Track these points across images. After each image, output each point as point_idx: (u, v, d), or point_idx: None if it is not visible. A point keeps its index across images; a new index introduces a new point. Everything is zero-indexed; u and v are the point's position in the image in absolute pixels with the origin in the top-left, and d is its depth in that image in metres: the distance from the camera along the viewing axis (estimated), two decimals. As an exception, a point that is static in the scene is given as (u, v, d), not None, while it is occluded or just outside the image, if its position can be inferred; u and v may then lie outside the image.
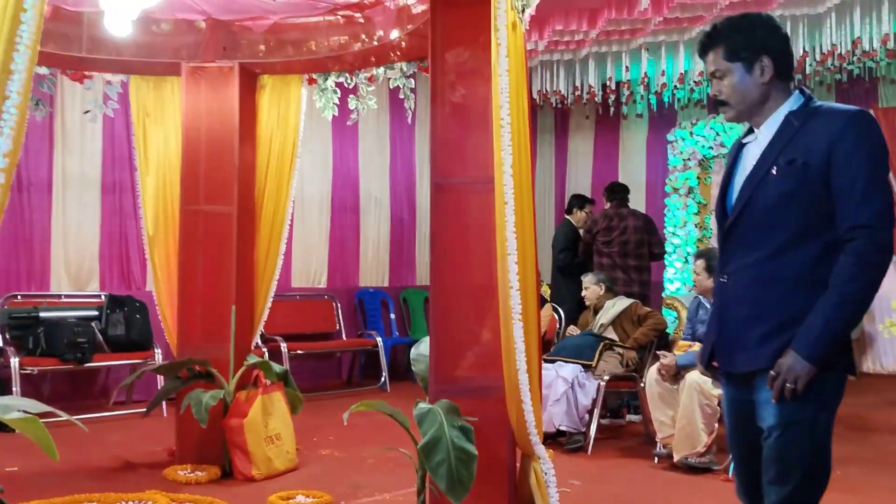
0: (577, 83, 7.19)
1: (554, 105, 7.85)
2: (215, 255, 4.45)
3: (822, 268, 1.89)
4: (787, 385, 1.87)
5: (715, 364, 2.12)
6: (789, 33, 5.99)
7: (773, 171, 1.96)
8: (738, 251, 2.03)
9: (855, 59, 6.00)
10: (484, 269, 3.08)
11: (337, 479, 4.17)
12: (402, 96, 4.35)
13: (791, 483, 1.91)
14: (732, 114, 2.08)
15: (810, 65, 6.15)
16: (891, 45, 5.68)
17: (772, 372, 1.90)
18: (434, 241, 3.22)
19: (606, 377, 4.96)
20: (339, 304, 7.45)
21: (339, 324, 7.42)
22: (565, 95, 7.39)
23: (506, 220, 2.85)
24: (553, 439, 4.89)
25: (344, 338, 7.40)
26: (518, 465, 3.09)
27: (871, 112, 1.99)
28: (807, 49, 6.00)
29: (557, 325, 5.76)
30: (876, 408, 5.64)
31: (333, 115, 4.72)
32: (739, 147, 2.13)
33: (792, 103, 2.02)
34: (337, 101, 4.59)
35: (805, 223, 1.93)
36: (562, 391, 4.85)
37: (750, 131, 2.10)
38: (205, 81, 4.49)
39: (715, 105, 2.14)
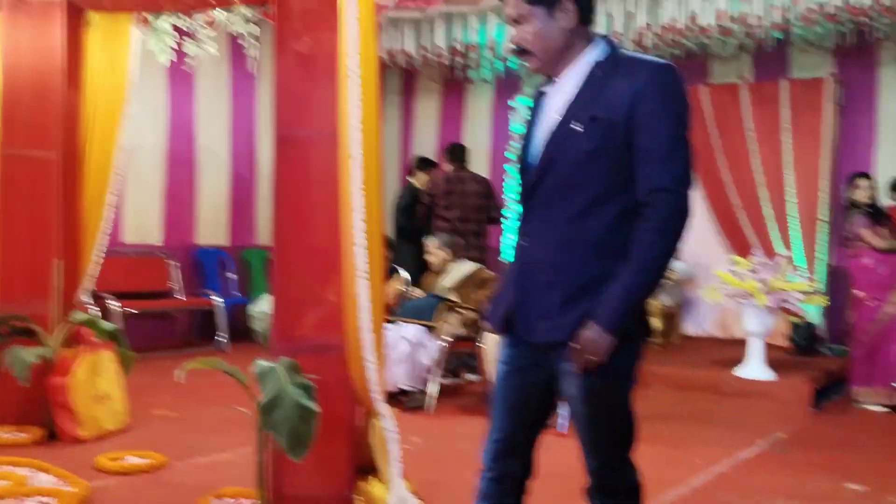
0: (425, 44, 7.14)
1: (401, 65, 7.77)
2: (37, 205, 4.15)
3: (621, 231, 1.82)
4: (589, 357, 1.81)
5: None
6: (634, 5, 6.25)
7: (578, 128, 1.83)
8: (538, 213, 1.93)
9: (691, 34, 6.31)
10: (329, 225, 2.98)
11: (171, 439, 4.00)
12: (244, 44, 4.14)
13: (606, 449, 1.94)
14: (536, 64, 1.92)
15: (650, 38, 6.41)
16: (724, 22, 6.01)
17: (573, 345, 1.82)
18: (277, 195, 3.08)
19: (449, 338, 5.03)
20: (175, 262, 7.10)
21: (176, 282, 7.08)
22: (413, 56, 7.33)
23: (352, 176, 2.78)
24: (395, 398, 4.90)
25: (180, 297, 7.07)
26: (360, 423, 3.06)
27: (674, 65, 1.88)
28: (649, 22, 6.25)
29: (400, 288, 5.76)
30: (696, 367, 6.06)
31: (170, 61, 4.43)
32: (539, 96, 1.99)
33: (596, 52, 1.89)
34: (173, 46, 4.31)
35: (607, 184, 1.84)
36: (404, 351, 4.86)
37: (550, 80, 1.97)
38: (27, 16, 4.13)
39: (515, 53, 1.97)
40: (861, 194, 5.50)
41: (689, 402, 5.40)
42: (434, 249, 5.51)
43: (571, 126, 1.84)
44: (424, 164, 7.00)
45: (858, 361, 5.48)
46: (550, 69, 1.94)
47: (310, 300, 3.05)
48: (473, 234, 6.27)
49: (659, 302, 6.98)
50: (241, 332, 7.27)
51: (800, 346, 6.58)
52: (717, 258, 7.12)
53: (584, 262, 1.85)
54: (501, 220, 6.78)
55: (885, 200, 5.74)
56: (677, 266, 7.28)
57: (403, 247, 6.65)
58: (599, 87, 1.84)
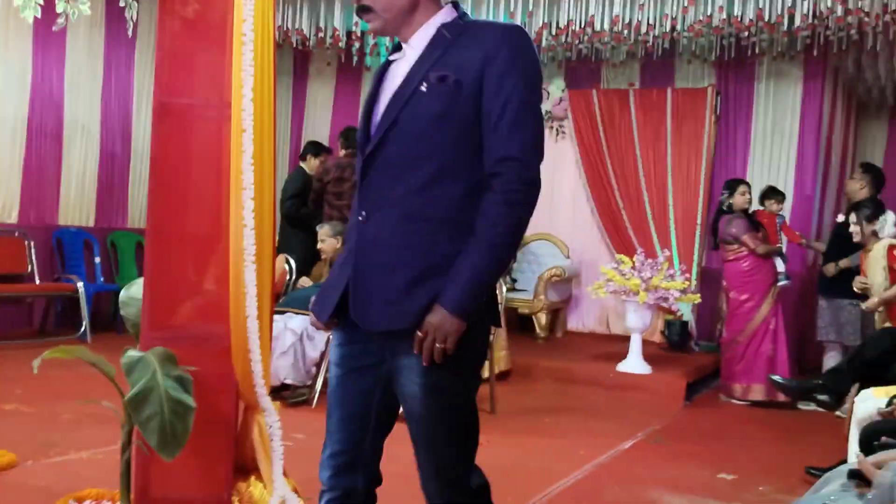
0: (322, 25, 6.90)
1: (294, 45, 7.47)
2: None
3: (473, 206, 1.67)
4: (437, 345, 1.62)
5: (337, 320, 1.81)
6: (532, 4, 6.25)
7: (423, 88, 1.68)
8: (380, 184, 1.73)
9: (586, 38, 6.39)
10: (212, 205, 2.73)
11: (24, 436, 3.62)
12: (122, 4, 3.80)
13: (447, 451, 1.75)
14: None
15: (546, 38, 6.44)
16: (618, 27, 6.12)
17: (419, 333, 1.64)
18: (154, 169, 2.79)
19: (336, 330, 4.84)
20: (32, 243, 6.53)
21: (32, 265, 6.51)
22: (307, 36, 7.07)
23: (242, 150, 2.55)
24: (277, 393, 4.68)
25: (37, 281, 6.52)
26: (241, 418, 2.84)
27: (524, 29, 1.82)
28: (548, 22, 6.28)
29: (288, 277, 5.51)
30: (579, 362, 6.17)
31: (36, 19, 4.01)
32: (386, 66, 1.83)
33: (444, 15, 1.77)
34: (40, 2, 3.91)
35: (457, 152, 1.68)
36: (290, 343, 4.64)
37: (398, 48, 1.82)
38: None
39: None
40: (741, 200, 5.70)
41: (574, 395, 5.49)
42: (325, 237, 5.29)
43: (416, 87, 1.69)
44: (316, 149, 6.75)
45: (730, 359, 5.68)
46: (394, 30, 1.78)
47: (188, 286, 2.80)
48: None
49: (544, 297, 7.06)
50: (106, 320, 6.80)
51: (673, 343, 6.82)
52: (602, 256, 7.30)
53: (431, 241, 1.68)
54: None
55: (754, 208, 6.01)
56: (563, 263, 7.38)
57: (291, 235, 6.38)
58: (447, 48, 1.71)
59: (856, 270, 5.06)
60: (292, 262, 5.61)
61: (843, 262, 5.54)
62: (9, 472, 3.19)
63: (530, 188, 1.67)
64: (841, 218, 5.70)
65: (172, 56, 2.79)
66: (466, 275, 1.63)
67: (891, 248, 4.41)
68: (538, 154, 1.69)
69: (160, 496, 2.73)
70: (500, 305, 4.88)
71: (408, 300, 1.66)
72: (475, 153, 1.68)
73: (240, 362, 2.67)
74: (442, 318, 1.62)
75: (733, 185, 5.81)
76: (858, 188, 5.59)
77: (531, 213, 1.69)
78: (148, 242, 2.81)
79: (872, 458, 1.66)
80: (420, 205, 1.68)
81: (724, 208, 5.77)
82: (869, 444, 2.77)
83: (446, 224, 1.68)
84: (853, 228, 4.72)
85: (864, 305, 4.54)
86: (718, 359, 6.37)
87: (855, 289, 4.69)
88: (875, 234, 4.63)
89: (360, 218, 1.75)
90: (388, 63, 1.82)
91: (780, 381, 4.33)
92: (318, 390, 4.69)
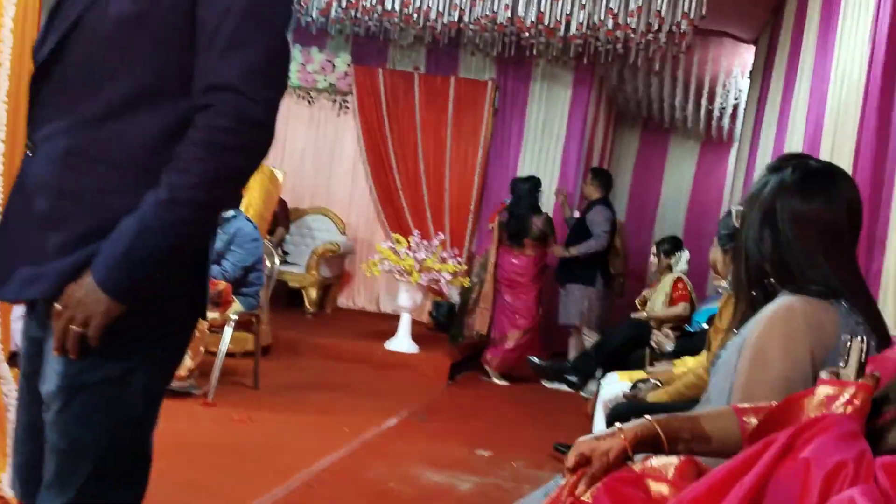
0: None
1: None
2: None
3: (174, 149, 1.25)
4: (73, 328, 1.21)
5: None
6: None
7: None
8: (54, 107, 1.29)
9: (376, 15, 6.38)
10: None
11: None
12: None
13: (76, 485, 1.27)
14: None
15: (336, 10, 6.37)
16: (408, 10, 6.18)
17: (56, 305, 1.23)
18: None
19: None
20: None
21: None
22: None
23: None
24: (14, 359, 4.24)
25: None
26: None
27: None
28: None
29: None
30: (347, 339, 6.17)
31: None
32: None
33: None
34: None
35: (154, 77, 1.26)
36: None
37: None
38: None
39: None
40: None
41: (341, 372, 5.50)
42: None
43: None
44: None
45: (491, 341, 6.04)
46: None
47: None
48: None
49: (316, 272, 7.01)
50: None
51: (440, 323, 7.07)
52: (377, 235, 7.39)
53: (106, 188, 1.26)
54: None
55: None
56: (338, 239, 7.37)
57: None
58: None
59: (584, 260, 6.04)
60: None
61: (573, 250, 6.13)
62: None
63: (250, 129, 1.24)
64: (577, 214, 6.59)
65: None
66: (129, 237, 1.21)
67: (677, 280, 5.03)
68: (269, 84, 1.26)
69: None
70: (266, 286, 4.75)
71: (55, 262, 1.25)
72: (186, 77, 1.27)
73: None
74: (86, 292, 1.21)
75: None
76: (593, 190, 6.33)
77: (251, 164, 1.27)
78: None
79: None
80: (98, 140, 1.26)
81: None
82: (617, 422, 3.06)
83: (133, 169, 1.26)
84: (652, 259, 5.33)
85: (643, 315, 5.03)
86: (481, 340, 6.72)
87: (639, 307, 5.25)
88: (669, 268, 5.25)
89: (27, 152, 1.32)
90: None
91: (537, 362, 4.66)
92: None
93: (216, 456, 3.43)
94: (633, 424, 1.20)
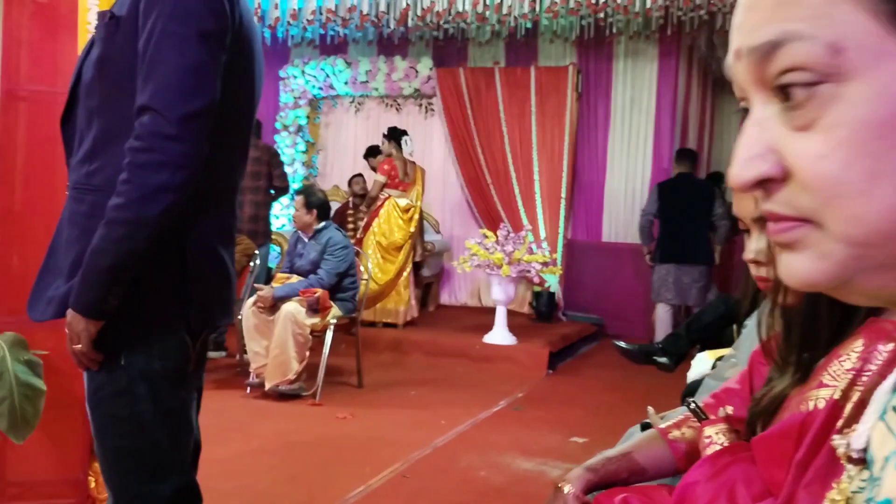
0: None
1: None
2: None
3: None
4: (74, 347, 1.41)
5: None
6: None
7: (93, 30, 1.49)
8: (69, 149, 1.56)
9: (451, 18, 6.55)
10: (52, 190, 2.78)
11: None
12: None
13: (117, 476, 1.51)
14: None
15: (412, 19, 6.57)
16: (479, 9, 6.31)
17: (66, 330, 1.43)
18: (1, 154, 2.81)
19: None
20: None
21: None
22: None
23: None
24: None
25: None
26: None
27: None
28: (409, 3, 6.40)
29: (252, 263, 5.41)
30: (448, 335, 6.37)
31: None
32: None
33: None
34: None
35: (118, 111, 1.41)
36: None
37: None
38: None
39: None
40: None
41: (440, 367, 5.68)
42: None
43: (94, 28, 1.50)
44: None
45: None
46: None
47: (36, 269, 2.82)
48: (250, 205, 5.78)
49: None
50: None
51: (540, 313, 7.14)
52: (472, 231, 7.55)
53: (94, 214, 1.41)
54: (284, 189, 6.17)
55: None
56: (434, 238, 7.60)
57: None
58: None
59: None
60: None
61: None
62: None
63: (166, 143, 1.33)
64: None
65: (20, 43, 2.80)
66: (87, 261, 1.37)
67: None
68: (182, 99, 1.34)
69: (17, 480, 2.77)
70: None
71: (62, 287, 1.45)
72: None
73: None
74: (71, 315, 1.40)
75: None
76: (684, 169, 6.28)
77: (175, 177, 1.34)
78: (-6, 226, 2.82)
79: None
80: (89, 174, 1.45)
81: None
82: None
83: (109, 196, 1.38)
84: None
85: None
86: (583, 328, 6.77)
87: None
88: None
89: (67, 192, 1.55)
90: None
91: (624, 346, 4.68)
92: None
93: (320, 451, 3.70)
94: (574, 479, 1.23)
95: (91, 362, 1.43)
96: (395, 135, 6.70)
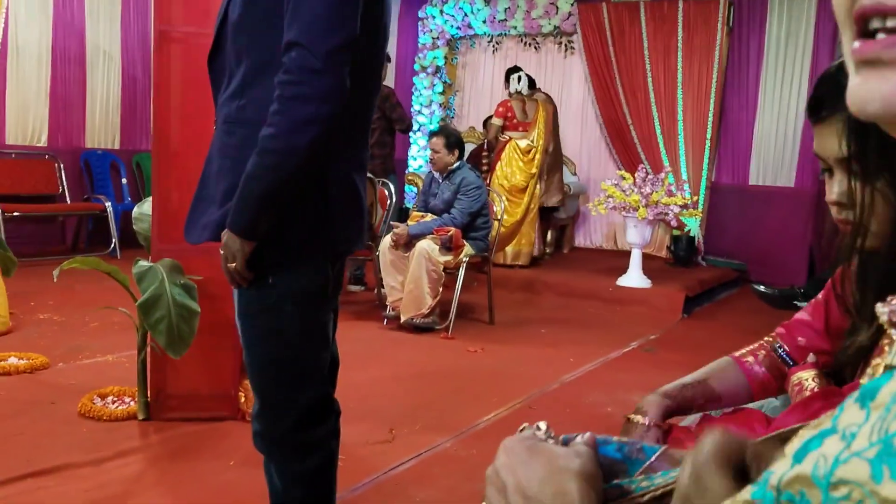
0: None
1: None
2: None
3: None
4: (229, 265, 1.51)
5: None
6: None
7: None
8: (216, 87, 1.64)
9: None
10: (212, 128, 2.97)
11: (55, 342, 3.98)
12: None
13: (263, 383, 1.64)
14: None
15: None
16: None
17: (220, 250, 1.53)
18: (157, 93, 3.04)
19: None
20: (62, 165, 6.85)
21: (63, 186, 6.85)
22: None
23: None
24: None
25: (68, 201, 6.86)
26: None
27: None
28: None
29: (389, 201, 5.63)
30: (581, 277, 6.35)
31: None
32: None
33: None
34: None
35: (271, 44, 1.48)
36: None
37: None
38: None
39: None
40: None
41: (571, 308, 5.70)
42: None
43: None
44: None
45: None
46: None
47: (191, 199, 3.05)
48: (376, 145, 5.91)
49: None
50: (134, 238, 7.11)
51: (678, 258, 6.96)
52: (609, 173, 7.40)
53: (245, 145, 1.51)
54: (407, 130, 6.22)
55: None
56: (570, 180, 7.51)
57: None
58: None
59: None
60: (391, 186, 5.54)
61: None
62: (42, 372, 3.54)
63: (314, 77, 1.41)
64: None
65: (169, -13, 2.98)
66: (241, 187, 1.47)
67: None
68: (329, 35, 1.42)
69: (173, 393, 3.06)
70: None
71: (218, 210, 1.56)
72: None
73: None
74: (227, 236, 1.51)
75: None
76: None
77: (321, 109, 1.42)
78: (154, 162, 3.06)
79: None
80: (239, 108, 1.54)
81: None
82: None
83: (260, 128, 1.48)
84: None
85: None
86: (723, 273, 6.54)
87: None
88: None
89: (215, 126, 1.65)
90: None
91: (763, 289, 4.50)
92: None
93: (450, 381, 3.83)
94: (651, 405, 1.21)
95: (243, 280, 1.54)
96: (507, 75, 6.64)
